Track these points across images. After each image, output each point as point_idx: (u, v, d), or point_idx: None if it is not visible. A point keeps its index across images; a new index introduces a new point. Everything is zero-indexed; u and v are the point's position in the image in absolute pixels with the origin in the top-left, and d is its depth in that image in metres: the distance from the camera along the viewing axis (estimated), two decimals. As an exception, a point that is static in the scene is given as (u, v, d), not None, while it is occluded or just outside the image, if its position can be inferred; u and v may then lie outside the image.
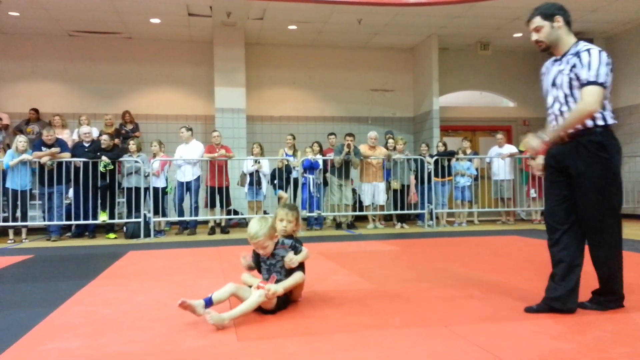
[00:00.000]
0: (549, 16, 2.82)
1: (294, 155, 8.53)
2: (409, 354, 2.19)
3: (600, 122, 2.68)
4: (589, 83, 2.63)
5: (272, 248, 2.94)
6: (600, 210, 2.70)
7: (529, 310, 2.83)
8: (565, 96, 2.75)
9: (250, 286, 2.91)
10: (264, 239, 2.86)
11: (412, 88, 11.32)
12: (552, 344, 2.28)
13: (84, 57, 9.98)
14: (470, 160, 9.11)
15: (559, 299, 2.74)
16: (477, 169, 9.19)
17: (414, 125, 11.30)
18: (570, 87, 2.73)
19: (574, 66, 2.70)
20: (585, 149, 2.68)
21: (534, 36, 2.89)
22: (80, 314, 2.98)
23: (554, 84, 2.82)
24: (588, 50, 2.69)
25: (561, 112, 2.77)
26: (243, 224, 9.07)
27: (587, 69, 2.64)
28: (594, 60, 2.64)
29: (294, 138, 8.76)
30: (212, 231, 8.00)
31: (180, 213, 7.99)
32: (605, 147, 2.68)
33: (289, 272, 2.95)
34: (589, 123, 2.67)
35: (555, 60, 2.88)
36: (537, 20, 2.84)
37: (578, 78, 2.68)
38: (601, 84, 2.63)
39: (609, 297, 2.83)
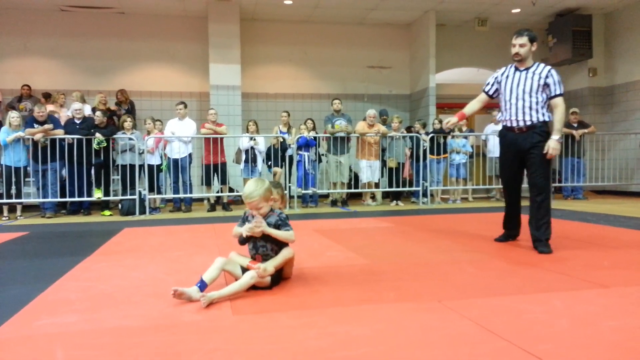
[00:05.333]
0: (533, 40, 3.94)
1: (288, 132, 8.49)
2: (402, 328, 2.22)
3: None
4: (558, 95, 3.94)
5: (266, 210, 2.94)
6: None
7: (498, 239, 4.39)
8: (537, 101, 3.91)
9: (240, 266, 2.92)
10: (259, 199, 2.87)
11: (409, 65, 11.23)
12: (544, 318, 2.31)
13: (76, 33, 9.82)
14: (466, 137, 9.10)
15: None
16: (472, 146, 9.19)
17: (410, 103, 11.24)
18: (537, 93, 3.90)
19: (546, 79, 3.89)
20: (539, 135, 3.92)
21: (517, 49, 3.94)
22: (76, 289, 3.00)
23: (520, 89, 3.95)
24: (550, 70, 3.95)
25: (527, 111, 3.94)
26: (238, 201, 9.08)
27: (558, 86, 3.91)
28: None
29: (289, 115, 8.71)
30: (212, 208, 8.01)
31: (175, 190, 7.98)
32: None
33: (275, 243, 2.95)
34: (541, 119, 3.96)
35: (517, 70, 4.00)
36: (525, 40, 3.91)
37: (549, 90, 3.91)
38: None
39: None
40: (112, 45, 9.96)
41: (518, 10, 10.12)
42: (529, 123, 3.91)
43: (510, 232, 4.35)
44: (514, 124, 3.98)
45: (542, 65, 3.98)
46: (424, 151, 8.52)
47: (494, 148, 9.10)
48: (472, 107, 4.32)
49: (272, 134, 8.42)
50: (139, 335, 2.17)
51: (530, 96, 3.90)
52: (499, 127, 8.89)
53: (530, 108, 3.90)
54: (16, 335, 2.22)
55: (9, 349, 2.06)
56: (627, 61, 10.17)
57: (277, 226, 2.94)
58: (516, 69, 4.02)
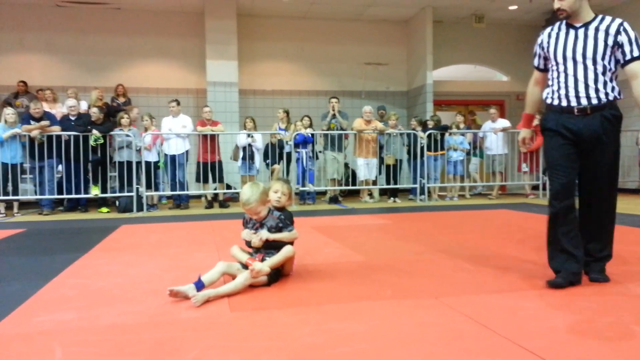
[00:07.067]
0: None
1: (286, 129, 8.45)
2: (399, 324, 2.23)
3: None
4: (637, 58, 2.75)
5: (265, 213, 2.99)
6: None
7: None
8: (604, 70, 2.78)
9: (240, 262, 2.93)
10: (255, 204, 2.91)
11: (406, 62, 11.22)
12: (539, 315, 2.33)
13: (71, 29, 9.78)
14: (463, 134, 9.11)
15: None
16: (469, 144, 9.21)
17: (407, 100, 11.24)
18: (604, 58, 2.75)
19: (616, 37, 2.72)
20: (609, 121, 2.83)
21: (558, 3, 2.79)
22: (74, 286, 3.00)
23: (579, 53, 2.79)
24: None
25: (591, 84, 2.79)
26: (236, 198, 9.08)
27: (635, 45, 2.73)
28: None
29: (287, 112, 8.58)
30: (209, 205, 8.00)
31: (173, 187, 7.97)
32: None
33: (277, 244, 2.96)
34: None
35: (571, 27, 2.83)
36: None
37: (623, 52, 2.73)
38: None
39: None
40: (108, 41, 9.92)
41: (515, 7, 10.12)
42: (594, 102, 2.76)
43: (577, 253, 2.87)
44: (573, 102, 2.79)
45: (609, 18, 2.79)
46: (422, 148, 8.53)
47: (491, 145, 9.11)
48: (533, 97, 3.12)
49: (271, 131, 8.39)
50: (136, 332, 2.18)
51: (595, 62, 2.75)
52: (497, 124, 9.11)
53: (596, 80, 2.76)
54: (14, 332, 2.22)
55: (7, 345, 2.06)
56: (624, 58, 10.19)
57: (278, 228, 2.98)
58: (569, 25, 2.84)
